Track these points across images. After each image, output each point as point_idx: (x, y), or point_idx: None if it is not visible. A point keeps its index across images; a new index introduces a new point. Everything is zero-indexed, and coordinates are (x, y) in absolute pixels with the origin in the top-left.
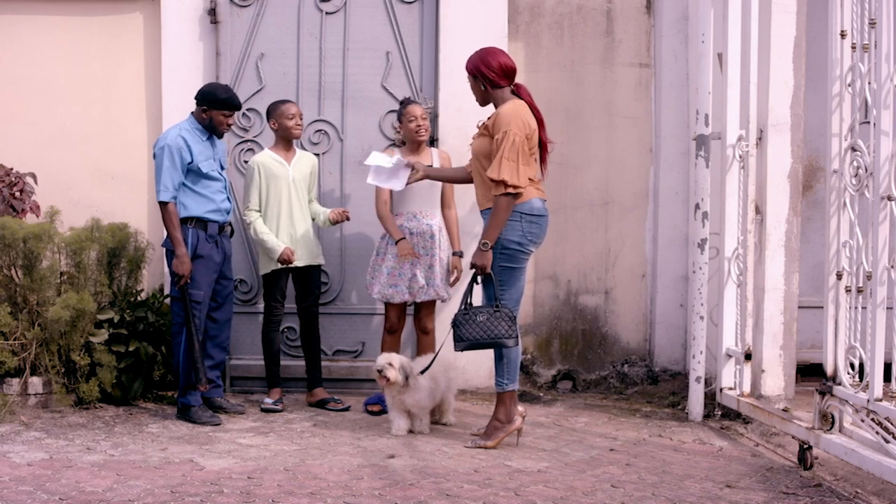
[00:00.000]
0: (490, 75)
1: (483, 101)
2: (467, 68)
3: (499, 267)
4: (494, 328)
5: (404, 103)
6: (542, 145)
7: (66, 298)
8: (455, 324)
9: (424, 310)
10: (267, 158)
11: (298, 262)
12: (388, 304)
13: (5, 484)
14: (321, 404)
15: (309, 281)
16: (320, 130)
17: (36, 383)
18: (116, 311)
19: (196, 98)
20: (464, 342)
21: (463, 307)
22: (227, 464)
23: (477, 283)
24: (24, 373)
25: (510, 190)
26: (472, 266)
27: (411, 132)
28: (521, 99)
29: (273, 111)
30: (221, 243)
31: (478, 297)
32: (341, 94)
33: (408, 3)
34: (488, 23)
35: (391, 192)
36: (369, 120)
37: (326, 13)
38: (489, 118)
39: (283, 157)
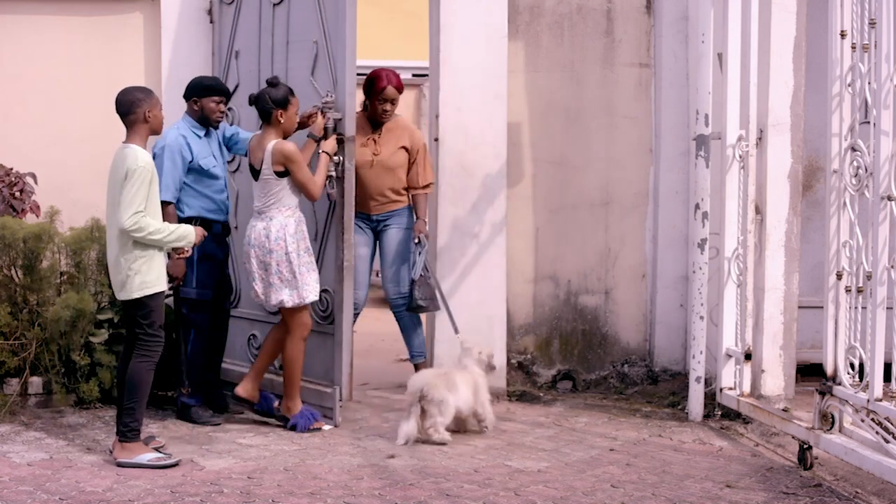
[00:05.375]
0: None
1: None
2: (400, 89)
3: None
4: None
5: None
6: None
7: (66, 298)
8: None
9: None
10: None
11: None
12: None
13: (5, 484)
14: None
15: None
16: None
17: (36, 383)
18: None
19: (185, 95)
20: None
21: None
22: (227, 464)
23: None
24: (24, 373)
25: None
26: (423, 236)
27: None
28: None
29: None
30: (224, 242)
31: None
32: None
33: None
34: (488, 22)
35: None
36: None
37: (274, 5)
38: (388, 131)
39: None
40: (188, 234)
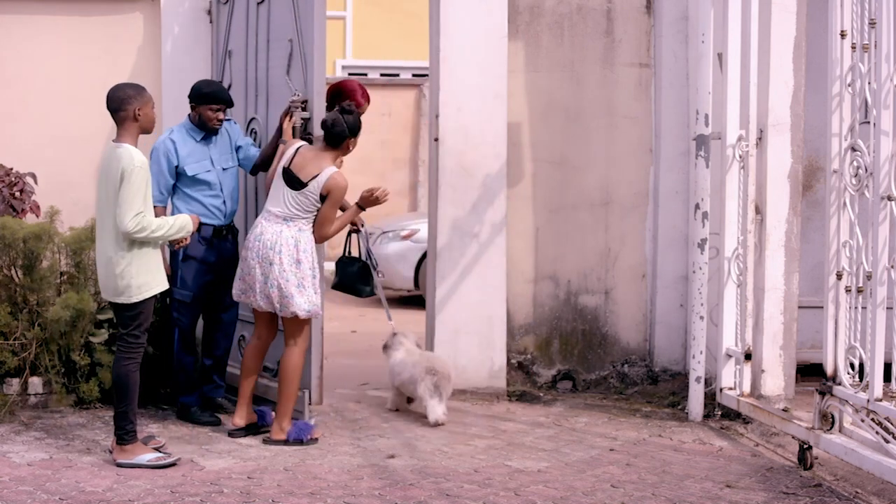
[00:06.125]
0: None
1: None
2: (369, 101)
3: None
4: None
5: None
6: None
7: (66, 298)
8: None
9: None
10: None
11: None
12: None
13: (5, 484)
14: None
15: None
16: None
17: (36, 383)
18: None
19: (188, 97)
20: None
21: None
22: (227, 464)
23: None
24: (24, 373)
25: None
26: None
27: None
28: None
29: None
30: (219, 246)
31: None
32: (266, 89)
33: None
34: (488, 23)
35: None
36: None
37: (258, 3)
38: None
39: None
40: (186, 224)
